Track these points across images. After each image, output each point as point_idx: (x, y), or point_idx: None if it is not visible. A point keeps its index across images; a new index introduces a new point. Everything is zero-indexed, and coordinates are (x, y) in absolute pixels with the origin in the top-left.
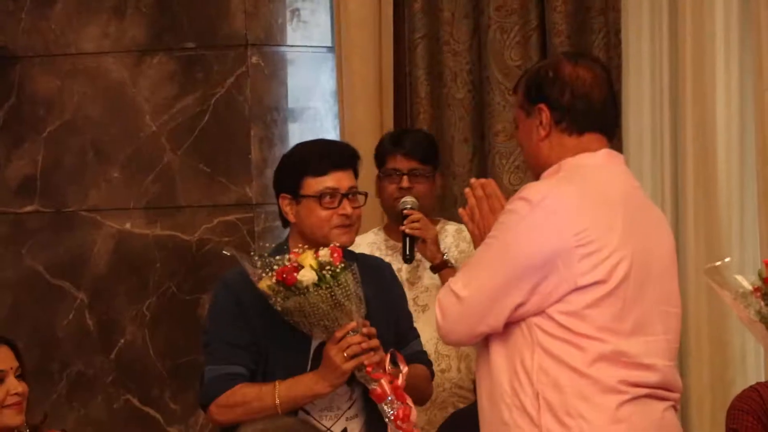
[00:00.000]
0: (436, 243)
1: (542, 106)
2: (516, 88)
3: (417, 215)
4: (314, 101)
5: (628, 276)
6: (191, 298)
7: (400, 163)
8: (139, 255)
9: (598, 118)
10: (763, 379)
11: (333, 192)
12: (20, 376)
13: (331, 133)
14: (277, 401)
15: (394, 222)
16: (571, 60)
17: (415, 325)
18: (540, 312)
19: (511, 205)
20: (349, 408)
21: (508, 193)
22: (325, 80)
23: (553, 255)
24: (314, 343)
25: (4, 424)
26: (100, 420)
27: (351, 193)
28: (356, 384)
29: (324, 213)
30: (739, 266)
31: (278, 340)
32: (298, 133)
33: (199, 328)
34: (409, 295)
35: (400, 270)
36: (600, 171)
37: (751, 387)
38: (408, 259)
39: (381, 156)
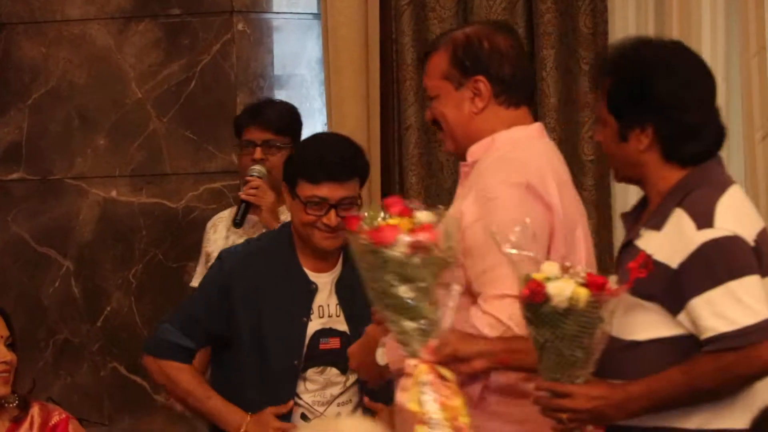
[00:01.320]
0: (272, 211)
1: (480, 77)
2: (431, 58)
3: (257, 182)
4: (300, 68)
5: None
6: (177, 265)
7: (255, 134)
8: (124, 223)
9: (529, 90)
10: None
11: (321, 202)
12: (10, 345)
13: (318, 101)
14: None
15: None
16: (501, 31)
17: None
18: None
19: (495, 193)
20: (342, 394)
21: None
22: (311, 47)
23: (550, 230)
24: (309, 332)
25: None
26: (87, 388)
27: (341, 205)
28: (350, 372)
29: (308, 218)
30: None
31: (274, 326)
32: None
33: (185, 295)
34: None
35: (228, 237)
36: (537, 143)
37: None
38: (237, 223)
39: (238, 128)
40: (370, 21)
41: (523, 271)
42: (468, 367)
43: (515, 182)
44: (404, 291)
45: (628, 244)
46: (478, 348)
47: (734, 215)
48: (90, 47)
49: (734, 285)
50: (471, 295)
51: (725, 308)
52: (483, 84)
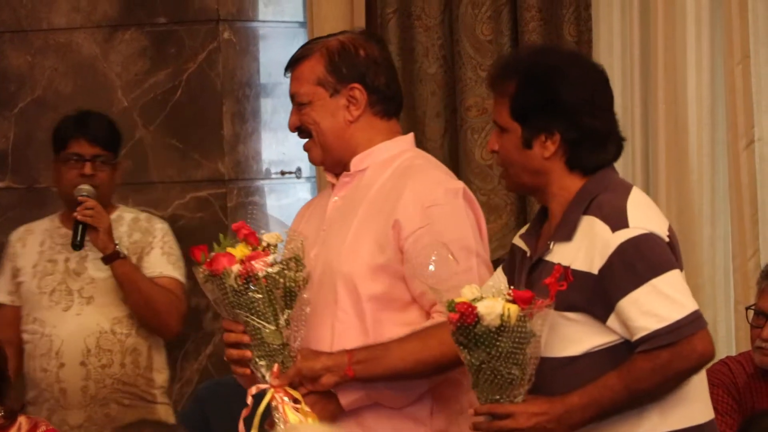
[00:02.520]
0: (109, 233)
1: (356, 85)
2: (296, 65)
3: (91, 203)
4: (285, 77)
5: None
6: None
7: (84, 148)
8: None
9: (400, 102)
10: (733, 353)
11: None
12: None
13: None
14: None
15: (70, 209)
16: (373, 41)
17: (77, 315)
18: None
19: (434, 200)
20: None
21: (481, 167)
22: None
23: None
24: None
25: None
26: None
27: None
28: None
29: None
30: (710, 242)
31: None
32: (270, 109)
33: None
34: (74, 285)
35: (68, 260)
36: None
37: (721, 361)
38: (77, 246)
39: (62, 139)
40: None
41: (445, 297)
42: (318, 384)
43: (452, 188)
44: (243, 317)
45: (538, 262)
46: (322, 363)
47: (645, 213)
48: (76, 56)
49: (658, 281)
50: (414, 303)
51: (653, 305)
52: (359, 91)
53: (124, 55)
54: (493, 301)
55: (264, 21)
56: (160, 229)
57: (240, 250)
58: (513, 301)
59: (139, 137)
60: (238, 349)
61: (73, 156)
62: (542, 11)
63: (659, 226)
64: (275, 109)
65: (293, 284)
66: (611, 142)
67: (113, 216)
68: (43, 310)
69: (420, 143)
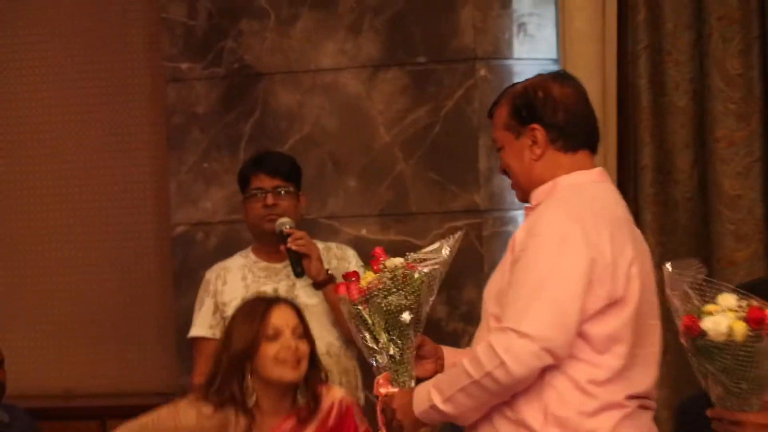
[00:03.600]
0: (320, 259)
1: (536, 125)
2: (493, 112)
3: (299, 233)
4: None
5: (642, 292)
6: None
7: (264, 181)
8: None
9: (589, 134)
10: None
11: None
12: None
13: None
14: None
15: (263, 243)
16: (557, 79)
17: None
18: None
19: (537, 237)
20: None
21: (730, 197)
22: None
23: (591, 274)
24: None
25: None
26: None
27: None
28: None
29: None
30: None
31: None
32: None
33: None
34: None
35: (276, 290)
36: (597, 187)
37: None
38: (299, 274)
39: (244, 178)
40: (608, 65)
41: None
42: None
43: (548, 233)
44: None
45: None
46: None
47: None
48: (341, 94)
49: None
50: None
51: None
52: (538, 131)
53: (386, 93)
54: (722, 316)
55: (519, 59)
56: (353, 255)
57: (367, 276)
58: (745, 319)
59: (399, 170)
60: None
61: (256, 190)
62: None
63: None
64: None
65: (406, 303)
66: None
67: None
68: None
69: (669, 174)
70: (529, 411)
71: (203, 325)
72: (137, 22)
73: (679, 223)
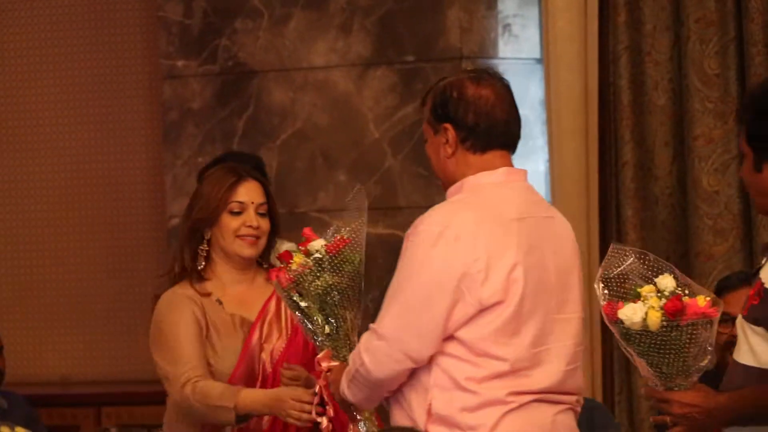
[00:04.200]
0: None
1: (447, 125)
2: (424, 103)
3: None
4: (524, 109)
5: (524, 293)
6: None
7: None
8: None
9: (501, 135)
10: None
11: None
12: None
13: (540, 139)
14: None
15: None
16: (474, 80)
17: None
18: (448, 336)
19: (414, 237)
20: None
21: (708, 193)
22: (534, 90)
23: (458, 281)
24: None
25: None
26: None
27: None
28: None
29: None
30: None
31: None
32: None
33: None
34: None
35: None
36: (498, 189)
37: None
38: None
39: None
40: (590, 65)
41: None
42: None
43: (429, 227)
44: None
45: (756, 272)
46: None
47: None
48: (332, 92)
49: None
50: None
51: None
52: (449, 131)
53: (375, 91)
54: (639, 305)
55: (503, 58)
56: None
57: (297, 260)
58: (663, 309)
59: (388, 166)
60: None
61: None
62: None
63: None
64: None
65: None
66: None
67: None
68: None
69: (649, 170)
70: (417, 408)
71: None
72: (134, 20)
73: (659, 219)
